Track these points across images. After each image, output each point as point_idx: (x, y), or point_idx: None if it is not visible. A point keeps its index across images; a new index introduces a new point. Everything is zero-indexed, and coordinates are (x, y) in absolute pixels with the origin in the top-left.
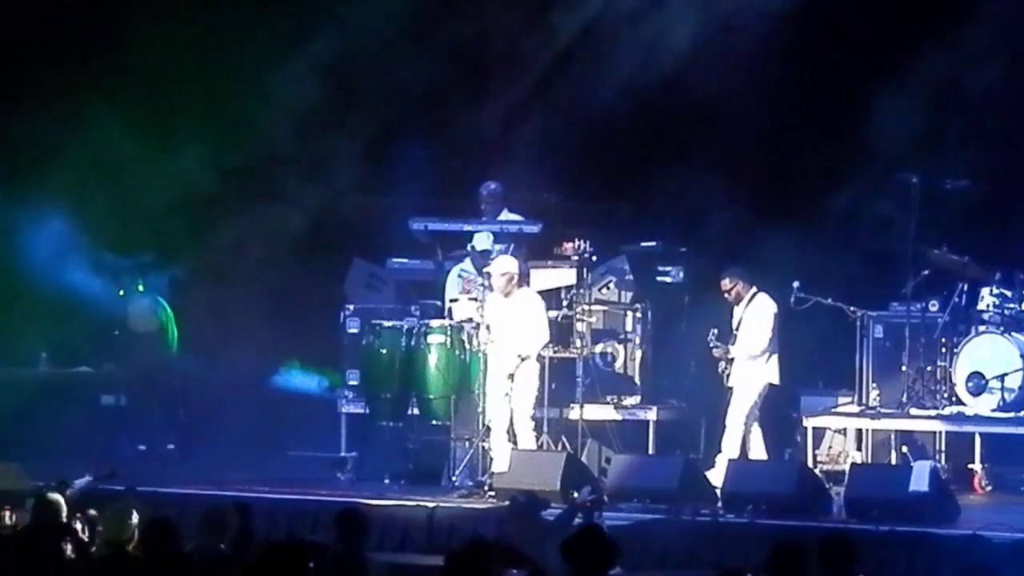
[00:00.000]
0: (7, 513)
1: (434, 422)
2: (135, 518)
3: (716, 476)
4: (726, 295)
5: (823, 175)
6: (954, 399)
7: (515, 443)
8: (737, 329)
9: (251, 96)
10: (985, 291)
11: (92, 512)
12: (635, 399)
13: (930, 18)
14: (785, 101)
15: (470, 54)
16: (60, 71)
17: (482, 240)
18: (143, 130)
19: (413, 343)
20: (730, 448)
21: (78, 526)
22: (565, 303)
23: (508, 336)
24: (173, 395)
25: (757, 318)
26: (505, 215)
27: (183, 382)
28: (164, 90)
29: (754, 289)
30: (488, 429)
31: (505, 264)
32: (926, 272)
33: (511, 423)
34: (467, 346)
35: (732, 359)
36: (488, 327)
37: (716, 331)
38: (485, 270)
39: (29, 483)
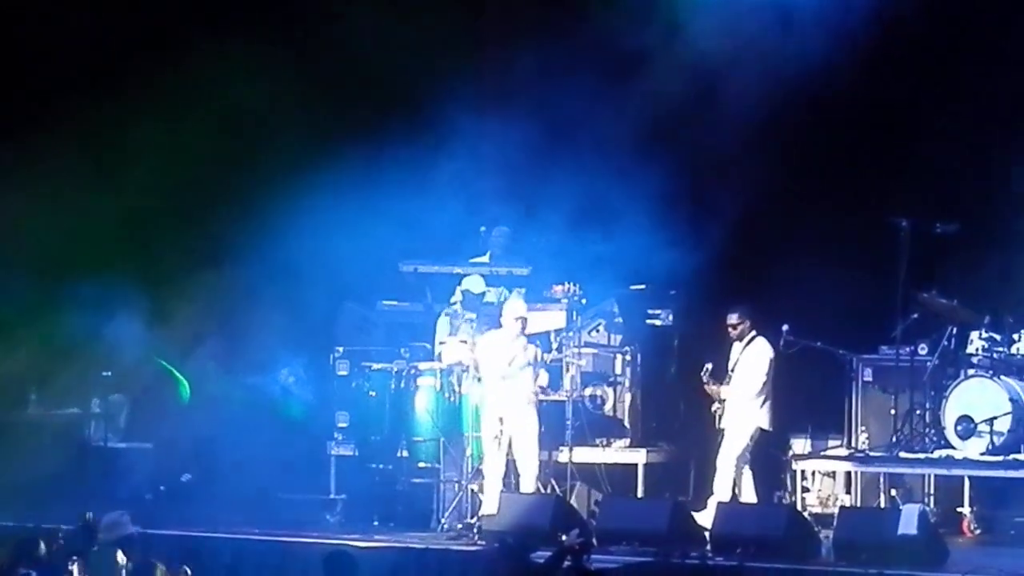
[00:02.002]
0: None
1: (423, 464)
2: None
3: (705, 518)
4: (731, 330)
5: (813, 218)
6: (943, 442)
7: (517, 485)
8: (732, 369)
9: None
10: (974, 335)
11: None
12: (624, 441)
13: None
14: (773, 145)
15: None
16: None
17: (474, 283)
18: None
19: (403, 385)
20: (721, 490)
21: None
22: (555, 346)
23: (514, 377)
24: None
25: (754, 361)
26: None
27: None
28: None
29: (755, 332)
30: (478, 471)
31: (519, 307)
32: (915, 315)
33: (513, 466)
34: (456, 389)
35: (724, 400)
36: (477, 367)
37: (710, 367)
38: (512, 313)
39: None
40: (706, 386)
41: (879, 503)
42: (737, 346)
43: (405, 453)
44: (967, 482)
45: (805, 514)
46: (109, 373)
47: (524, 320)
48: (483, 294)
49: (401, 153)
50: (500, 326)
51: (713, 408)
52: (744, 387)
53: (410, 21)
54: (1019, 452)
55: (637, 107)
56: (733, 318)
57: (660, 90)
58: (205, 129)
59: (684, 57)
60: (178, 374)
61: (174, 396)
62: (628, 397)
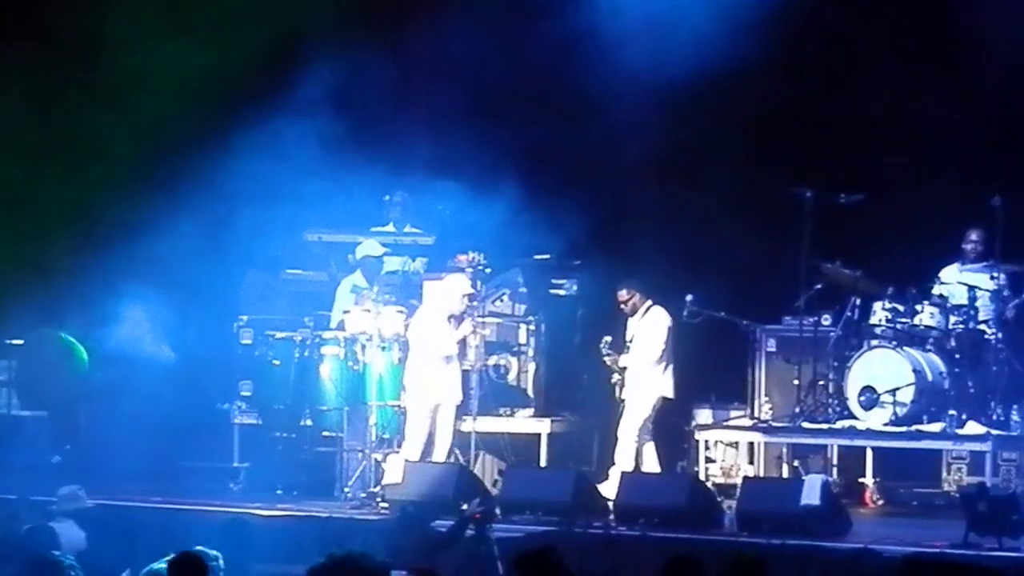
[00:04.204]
0: None
1: (327, 433)
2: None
3: (609, 489)
4: (622, 306)
5: (717, 189)
6: (846, 413)
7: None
8: (631, 341)
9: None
10: (878, 305)
11: None
12: (528, 411)
13: (827, 36)
14: (682, 116)
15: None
16: None
17: (370, 247)
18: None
19: (307, 354)
20: (623, 461)
21: None
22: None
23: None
24: (74, 404)
25: (651, 330)
26: (408, 228)
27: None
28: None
29: (649, 302)
30: (381, 440)
31: (464, 285)
32: (819, 286)
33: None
34: (360, 358)
35: (624, 369)
36: (381, 336)
37: (609, 339)
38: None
39: None
40: (606, 358)
41: (782, 473)
42: (634, 318)
43: (309, 422)
44: (870, 453)
45: (708, 484)
46: (22, 341)
47: (470, 296)
48: (381, 258)
49: (304, 119)
50: (406, 296)
51: (613, 380)
52: (643, 356)
53: None
54: (921, 423)
55: (539, 78)
56: (622, 294)
57: (558, 63)
58: (105, 95)
59: (583, 23)
60: (77, 344)
61: (71, 365)
62: (532, 367)
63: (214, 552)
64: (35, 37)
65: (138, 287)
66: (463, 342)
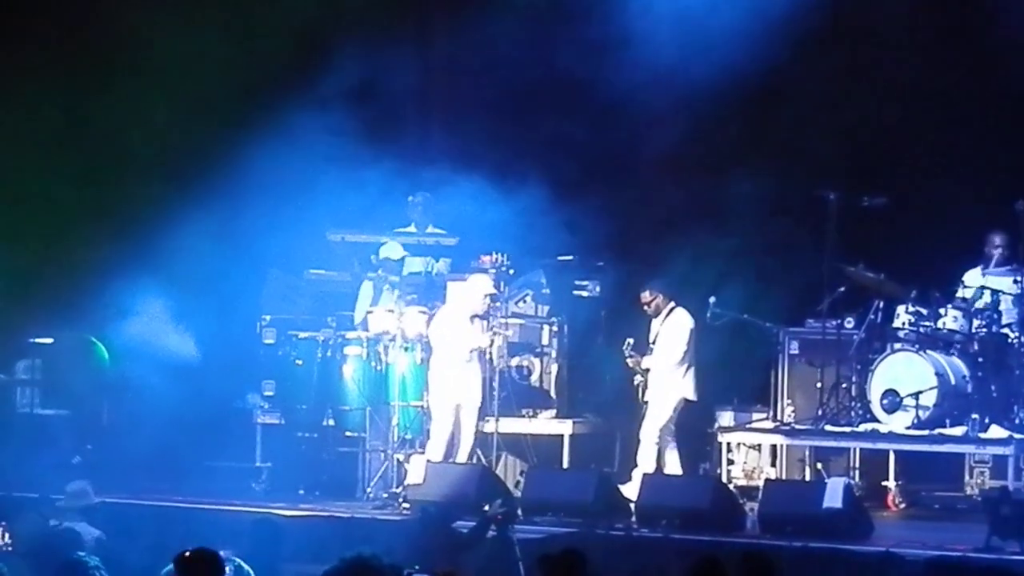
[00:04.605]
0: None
1: (349, 433)
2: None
3: (631, 490)
4: (645, 307)
5: (741, 191)
6: (868, 416)
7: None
8: (653, 343)
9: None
10: (901, 308)
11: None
12: (551, 413)
13: (852, 39)
14: (707, 118)
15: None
16: None
17: (392, 250)
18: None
19: (329, 354)
20: (645, 462)
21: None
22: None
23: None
24: (97, 403)
25: (673, 332)
26: (430, 229)
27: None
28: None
29: (672, 304)
30: (404, 441)
31: (486, 285)
32: (842, 289)
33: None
34: (383, 358)
35: (647, 370)
36: (404, 336)
37: (632, 341)
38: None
39: None
40: (628, 359)
41: (804, 476)
42: (657, 320)
43: (331, 422)
44: (892, 456)
45: (730, 487)
46: (51, 340)
47: (492, 296)
48: (402, 260)
49: (328, 116)
50: (429, 297)
51: (636, 381)
52: (665, 358)
53: None
54: (944, 426)
55: (562, 76)
56: (645, 295)
57: (584, 63)
58: (126, 94)
59: (608, 23)
60: (99, 343)
61: (94, 363)
62: (555, 368)
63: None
64: (59, 38)
65: (158, 283)
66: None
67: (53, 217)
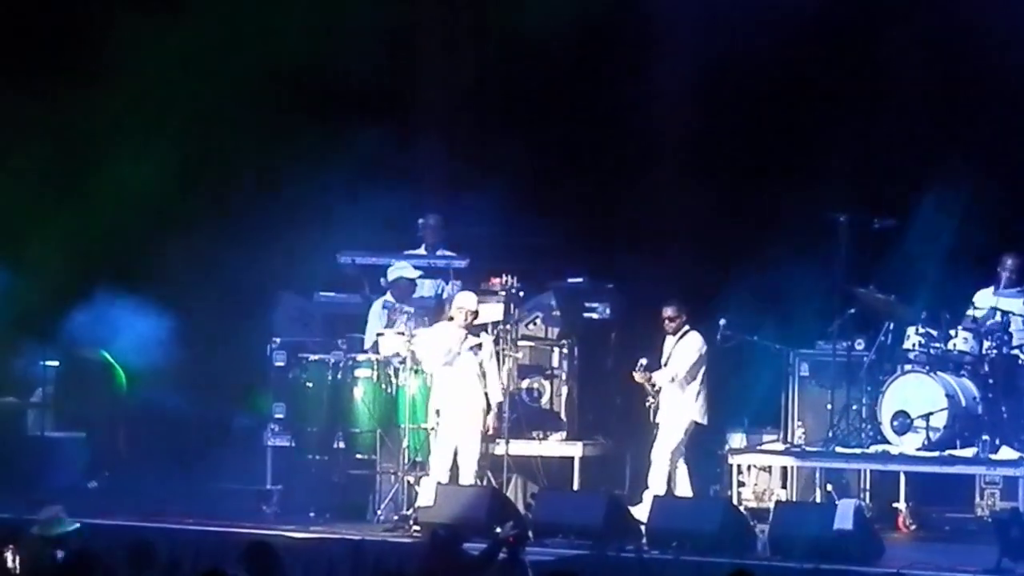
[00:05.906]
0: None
1: (360, 456)
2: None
3: (641, 512)
4: (667, 323)
5: (752, 213)
6: (879, 438)
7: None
8: (665, 363)
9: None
10: (911, 330)
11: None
12: (561, 435)
13: (864, 60)
14: (714, 141)
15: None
16: None
17: (404, 270)
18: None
19: (340, 377)
20: (656, 484)
21: (8, 556)
22: (492, 338)
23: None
24: (114, 426)
25: (685, 351)
26: (441, 252)
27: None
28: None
29: (687, 326)
30: (414, 463)
31: (469, 300)
32: (853, 311)
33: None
34: (394, 380)
35: (656, 388)
36: (415, 359)
37: (645, 361)
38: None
39: None
40: (635, 373)
41: (815, 498)
42: (670, 340)
43: (342, 444)
44: (903, 477)
45: (741, 508)
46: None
47: (472, 313)
48: (415, 280)
49: (343, 142)
50: (438, 319)
51: (648, 403)
52: (674, 373)
53: (348, 14)
54: (955, 448)
55: (574, 99)
56: (670, 311)
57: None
58: (149, 122)
59: (623, 50)
60: (116, 364)
61: (111, 386)
62: (565, 390)
63: None
64: (76, 48)
65: (166, 305)
66: (495, 365)
67: (65, 238)
